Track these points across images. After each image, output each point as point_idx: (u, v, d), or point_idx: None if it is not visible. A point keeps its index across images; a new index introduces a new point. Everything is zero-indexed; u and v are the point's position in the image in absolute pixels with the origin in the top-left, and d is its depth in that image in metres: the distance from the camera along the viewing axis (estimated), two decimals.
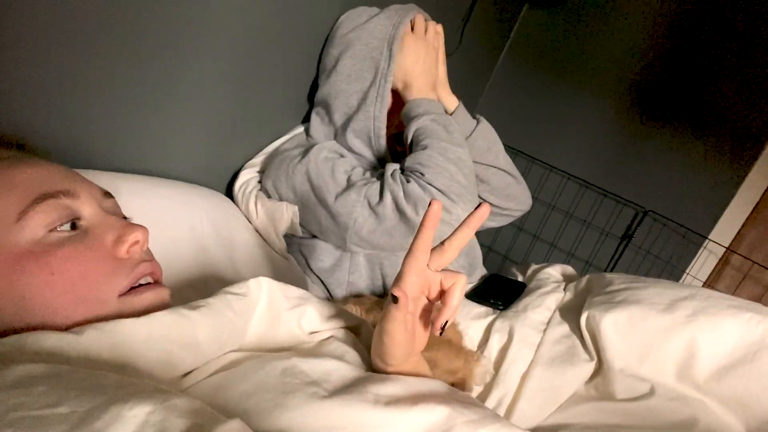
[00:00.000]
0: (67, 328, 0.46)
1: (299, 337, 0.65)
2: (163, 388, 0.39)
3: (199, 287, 0.85)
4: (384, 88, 1.05)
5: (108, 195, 0.61)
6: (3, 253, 0.48)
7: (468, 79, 2.26)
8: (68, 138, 0.77)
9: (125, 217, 0.62)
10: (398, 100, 1.10)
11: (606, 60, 2.26)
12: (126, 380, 0.38)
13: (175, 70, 0.88)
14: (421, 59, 1.07)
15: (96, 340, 0.45)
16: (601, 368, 0.91)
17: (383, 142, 1.09)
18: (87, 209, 0.55)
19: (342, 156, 1.07)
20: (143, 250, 0.58)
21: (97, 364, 0.43)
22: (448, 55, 1.82)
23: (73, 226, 0.53)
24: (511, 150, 2.42)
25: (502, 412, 0.87)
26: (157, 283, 0.58)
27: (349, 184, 0.98)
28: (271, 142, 1.17)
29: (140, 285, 0.55)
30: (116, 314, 0.51)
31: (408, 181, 0.93)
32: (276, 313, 0.64)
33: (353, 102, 1.09)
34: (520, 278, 1.24)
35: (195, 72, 0.91)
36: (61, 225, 0.52)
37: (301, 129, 1.21)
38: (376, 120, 1.06)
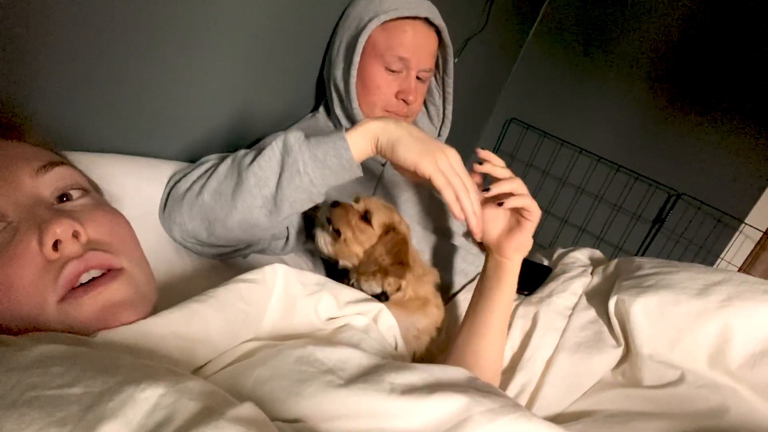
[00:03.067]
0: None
1: (315, 324, 0.65)
2: (176, 371, 0.39)
3: (214, 268, 0.85)
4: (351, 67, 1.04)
5: (49, 166, 0.52)
6: None
7: (494, 60, 2.21)
8: (71, 123, 0.77)
9: (64, 196, 0.53)
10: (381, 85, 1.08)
11: (638, 38, 2.18)
12: (140, 362, 0.38)
13: (187, 55, 0.88)
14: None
15: (111, 342, 0.45)
16: (628, 354, 0.88)
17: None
18: (8, 205, 0.48)
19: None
20: (81, 242, 0.49)
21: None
22: (474, 35, 1.79)
23: None
24: (539, 132, 2.38)
25: (525, 398, 0.86)
26: (108, 273, 0.50)
27: None
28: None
29: (80, 284, 0.48)
30: (59, 324, 0.46)
31: None
32: (292, 300, 0.63)
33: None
34: (545, 262, 1.22)
35: (210, 58, 0.91)
36: None
37: (309, 115, 1.21)
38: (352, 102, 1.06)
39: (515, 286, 0.83)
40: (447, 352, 0.84)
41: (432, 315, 0.88)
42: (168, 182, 0.83)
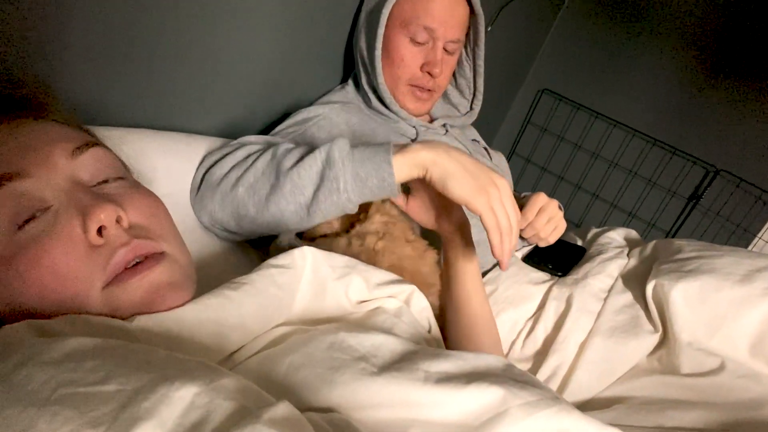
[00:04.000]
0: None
1: (346, 307, 0.64)
2: (210, 366, 0.38)
3: (241, 248, 0.86)
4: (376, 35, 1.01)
5: (84, 147, 0.52)
6: None
7: (527, 29, 2.14)
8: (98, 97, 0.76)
9: (103, 181, 0.52)
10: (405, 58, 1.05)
11: (678, 5, 2.08)
12: (174, 357, 0.38)
13: (218, 27, 0.85)
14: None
15: (147, 329, 0.44)
16: (666, 340, 0.86)
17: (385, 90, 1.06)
18: (46, 188, 0.47)
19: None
20: (123, 226, 0.49)
21: (151, 343, 0.43)
22: (508, 2, 1.73)
23: (35, 213, 0.46)
24: (572, 104, 2.31)
25: (557, 381, 0.84)
26: (150, 258, 0.50)
27: None
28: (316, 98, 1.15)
29: (125, 269, 0.48)
30: (106, 309, 0.46)
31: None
32: (322, 283, 0.62)
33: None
34: (579, 242, 1.19)
35: (240, 30, 0.89)
36: (22, 220, 0.45)
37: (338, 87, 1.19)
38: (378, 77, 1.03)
39: (474, 250, 0.82)
40: (446, 333, 0.83)
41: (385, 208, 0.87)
42: (202, 162, 0.81)
